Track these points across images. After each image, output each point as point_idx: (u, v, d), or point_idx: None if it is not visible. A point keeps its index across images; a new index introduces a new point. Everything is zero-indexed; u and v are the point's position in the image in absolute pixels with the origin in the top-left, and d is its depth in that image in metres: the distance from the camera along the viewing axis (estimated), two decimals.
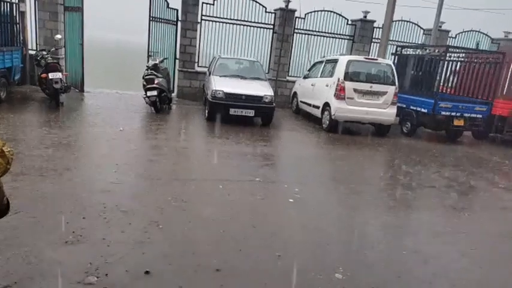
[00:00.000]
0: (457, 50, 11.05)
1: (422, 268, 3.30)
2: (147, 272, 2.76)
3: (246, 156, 6.32)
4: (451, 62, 10.70)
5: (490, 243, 4.01)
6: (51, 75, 8.27)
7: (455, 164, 7.36)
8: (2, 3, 8.92)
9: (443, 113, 9.08)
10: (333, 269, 3.07)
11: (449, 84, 10.88)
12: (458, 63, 10.85)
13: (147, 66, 9.47)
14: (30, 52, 10.26)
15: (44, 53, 9.04)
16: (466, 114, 9.25)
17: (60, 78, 8.36)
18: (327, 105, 9.02)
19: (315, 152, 7.56)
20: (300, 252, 3.35)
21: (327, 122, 8.97)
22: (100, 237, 3.16)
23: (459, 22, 14.14)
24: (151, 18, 11.04)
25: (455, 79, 10.93)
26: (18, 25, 9.80)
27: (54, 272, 2.65)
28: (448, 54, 9.96)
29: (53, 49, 9.41)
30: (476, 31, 13.99)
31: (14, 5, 9.53)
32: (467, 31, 13.94)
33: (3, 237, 2.98)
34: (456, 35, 13.84)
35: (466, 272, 3.37)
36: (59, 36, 9.60)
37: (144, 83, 9.09)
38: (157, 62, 9.44)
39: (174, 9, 11.39)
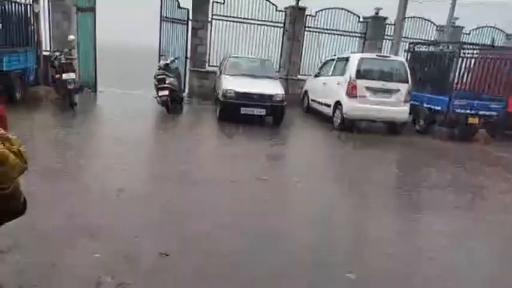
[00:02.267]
0: (471, 47, 10.83)
1: (435, 270, 3.26)
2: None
3: (258, 155, 6.31)
4: (465, 59, 10.50)
5: None
6: (64, 76, 8.36)
7: (473, 163, 7.23)
8: (17, 4, 9.06)
9: (458, 110, 8.91)
10: (345, 269, 3.04)
11: (464, 81, 10.67)
12: (473, 59, 10.63)
13: (158, 66, 9.52)
14: (44, 53, 10.41)
15: (58, 53, 9.15)
16: (481, 112, 9.07)
17: (74, 79, 8.45)
18: (338, 103, 8.93)
19: (327, 151, 7.51)
20: (311, 251, 3.33)
21: (339, 121, 8.89)
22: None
23: (476, 18, 13.84)
24: (162, 18, 11.09)
25: (470, 76, 10.72)
26: (32, 26, 9.93)
27: None
28: (462, 51, 9.77)
29: (67, 50, 9.50)
30: (491, 27, 13.72)
31: (29, 6, 9.66)
32: (482, 27, 13.68)
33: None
34: (470, 31, 13.59)
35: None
36: (72, 36, 9.70)
37: (156, 82, 9.14)
38: (168, 61, 9.49)
39: (185, 8, 11.43)
